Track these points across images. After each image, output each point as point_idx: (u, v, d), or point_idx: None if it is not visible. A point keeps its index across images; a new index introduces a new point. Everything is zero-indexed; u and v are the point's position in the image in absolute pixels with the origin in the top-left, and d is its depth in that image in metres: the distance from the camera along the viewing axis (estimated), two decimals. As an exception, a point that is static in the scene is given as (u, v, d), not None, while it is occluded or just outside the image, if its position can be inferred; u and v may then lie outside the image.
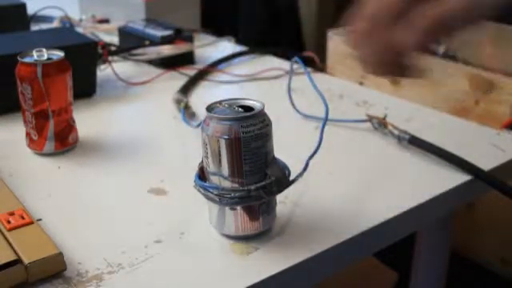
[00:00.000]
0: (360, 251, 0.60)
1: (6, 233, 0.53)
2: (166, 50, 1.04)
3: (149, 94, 0.95)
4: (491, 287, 1.51)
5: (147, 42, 1.06)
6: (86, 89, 0.92)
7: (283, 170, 0.56)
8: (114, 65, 1.00)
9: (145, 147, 0.76)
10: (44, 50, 0.71)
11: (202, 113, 0.83)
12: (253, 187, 0.53)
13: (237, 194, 0.53)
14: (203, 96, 0.94)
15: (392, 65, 0.47)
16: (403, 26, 0.45)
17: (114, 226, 0.59)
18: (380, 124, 0.78)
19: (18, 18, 1.08)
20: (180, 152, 0.76)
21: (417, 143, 0.73)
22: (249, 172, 0.52)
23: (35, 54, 0.71)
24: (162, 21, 1.14)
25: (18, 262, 0.49)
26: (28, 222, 0.54)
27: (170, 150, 0.77)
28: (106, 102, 0.92)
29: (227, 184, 0.53)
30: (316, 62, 1.10)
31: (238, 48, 1.18)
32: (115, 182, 0.68)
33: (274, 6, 2.18)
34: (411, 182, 0.68)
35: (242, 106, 0.54)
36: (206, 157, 0.54)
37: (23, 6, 1.08)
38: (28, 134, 0.73)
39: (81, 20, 1.29)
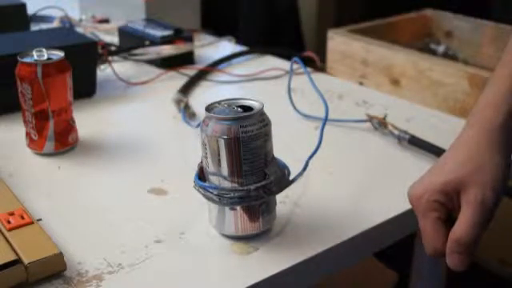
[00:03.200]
0: (360, 251, 0.60)
1: (6, 233, 0.53)
2: (166, 50, 1.04)
3: (149, 94, 0.95)
4: (490, 287, 1.51)
5: (147, 42, 1.06)
6: (85, 89, 0.92)
7: (283, 169, 0.56)
8: (114, 65, 1.00)
9: (145, 147, 0.76)
10: (44, 50, 0.71)
11: (201, 113, 0.83)
12: (252, 187, 0.53)
13: (236, 194, 0.53)
14: (203, 96, 0.94)
15: None
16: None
17: (114, 226, 0.59)
18: (380, 124, 0.78)
19: (18, 18, 1.07)
20: (180, 152, 0.76)
21: (417, 143, 0.73)
22: (248, 172, 0.53)
23: (35, 54, 0.71)
24: (162, 21, 1.14)
25: (17, 262, 0.49)
26: (28, 222, 0.54)
27: (169, 150, 0.77)
28: (106, 101, 0.92)
29: (227, 184, 0.53)
30: (316, 62, 1.10)
31: (238, 48, 1.18)
32: (115, 182, 0.68)
33: (274, 6, 2.18)
34: (411, 182, 0.68)
35: (241, 106, 0.54)
36: (206, 157, 0.54)
37: (23, 6, 1.08)
38: (28, 134, 0.73)
39: (81, 20, 1.29)
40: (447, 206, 0.49)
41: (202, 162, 0.55)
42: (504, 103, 0.51)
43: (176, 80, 0.99)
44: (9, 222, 0.54)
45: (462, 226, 0.47)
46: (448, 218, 0.50)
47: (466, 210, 0.48)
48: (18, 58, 0.70)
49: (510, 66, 0.53)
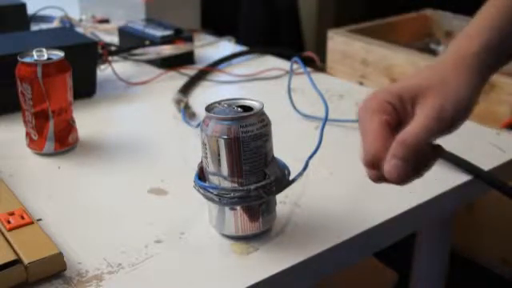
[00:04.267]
0: (360, 251, 0.60)
1: (6, 233, 0.53)
2: (166, 50, 1.04)
3: (149, 94, 0.95)
4: (491, 287, 1.51)
5: (147, 42, 1.06)
6: (86, 89, 0.92)
7: (283, 169, 0.56)
8: (114, 65, 1.00)
9: (145, 147, 0.76)
10: (44, 50, 0.71)
11: (201, 113, 0.83)
12: (252, 187, 0.53)
13: (236, 194, 0.53)
14: (203, 96, 0.94)
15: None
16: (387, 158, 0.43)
17: (114, 226, 0.59)
18: (380, 124, 0.78)
19: (18, 18, 1.08)
20: (180, 152, 0.76)
21: (417, 143, 0.73)
22: (248, 172, 0.53)
23: (35, 54, 0.71)
24: (161, 21, 1.14)
25: (17, 262, 0.49)
26: (28, 222, 0.54)
27: (169, 150, 0.77)
28: (106, 102, 0.92)
29: (227, 184, 0.53)
30: (316, 62, 1.10)
31: (238, 48, 1.18)
32: (115, 182, 0.68)
33: (274, 6, 2.18)
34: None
35: (242, 106, 0.54)
36: (206, 157, 0.54)
37: (23, 6, 1.08)
38: (28, 134, 0.73)
39: (81, 20, 1.29)
40: (399, 114, 0.45)
41: (201, 162, 0.55)
42: (480, 35, 0.48)
43: (176, 80, 0.99)
44: (9, 222, 0.54)
45: (412, 128, 0.42)
46: (396, 129, 0.44)
47: (420, 115, 0.43)
48: (18, 58, 0.70)
49: (496, 4, 0.51)
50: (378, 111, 0.45)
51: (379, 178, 0.45)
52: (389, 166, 0.42)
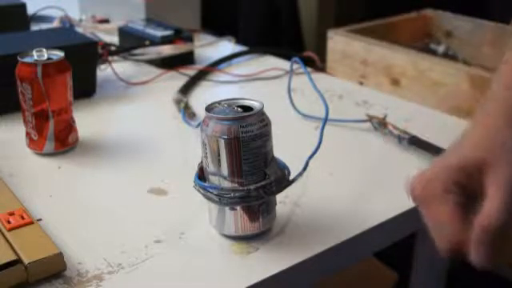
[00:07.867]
0: (360, 251, 0.60)
1: (6, 233, 0.53)
2: (166, 50, 1.04)
3: (149, 94, 0.95)
4: (491, 287, 1.51)
5: (147, 42, 1.06)
6: (85, 89, 0.92)
7: (283, 169, 0.56)
8: (114, 65, 1.00)
9: (145, 147, 0.76)
10: (44, 50, 0.71)
11: (201, 113, 0.83)
12: (252, 187, 0.53)
13: (236, 194, 0.53)
14: (203, 96, 0.94)
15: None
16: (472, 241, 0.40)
17: (114, 226, 0.59)
18: (380, 124, 0.78)
19: (18, 18, 1.08)
20: (180, 152, 0.76)
21: (417, 143, 0.73)
22: (248, 172, 0.53)
23: (35, 54, 0.71)
24: (162, 21, 1.14)
25: (18, 262, 0.49)
26: (28, 222, 0.54)
27: (170, 149, 0.77)
28: (106, 102, 0.92)
29: (227, 184, 0.53)
30: (316, 62, 1.10)
31: (238, 48, 1.18)
32: (115, 182, 0.68)
33: (274, 6, 2.18)
34: (411, 181, 0.68)
35: (242, 106, 0.54)
36: (206, 157, 0.54)
37: (23, 6, 1.08)
38: (28, 134, 0.73)
39: (81, 20, 1.29)
40: (467, 189, 0.42)
41: (202, 161, 0.55)
42: None
43: (176, 80, 0.99)
44: (9, 222, 0.54)
45: (491, 210, 0.39)
46: (468, 206, 0.41)
47: (494, 192, 0.40)
48: (18, 58, 0.70)
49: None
50: (445, 192, 0.42)
51: (463, 256, 0.43)
52: (476, 253, 0.40)
